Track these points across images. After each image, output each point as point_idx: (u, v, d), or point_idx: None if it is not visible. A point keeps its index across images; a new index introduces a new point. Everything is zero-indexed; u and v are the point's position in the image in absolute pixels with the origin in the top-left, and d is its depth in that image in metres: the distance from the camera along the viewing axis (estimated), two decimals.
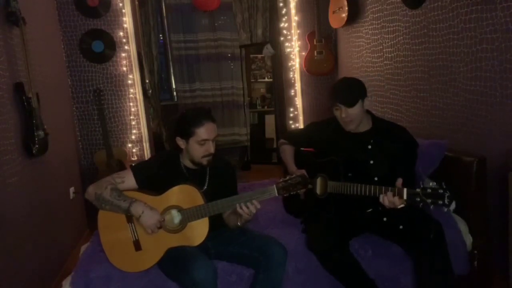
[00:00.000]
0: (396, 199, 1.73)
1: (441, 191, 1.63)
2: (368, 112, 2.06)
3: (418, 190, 1.69)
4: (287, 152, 2.28)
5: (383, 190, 1.78)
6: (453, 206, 2.15)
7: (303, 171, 2.04)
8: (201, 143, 1.84)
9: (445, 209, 1.64)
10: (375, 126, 2.05)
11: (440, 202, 1.63)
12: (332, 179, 2.02)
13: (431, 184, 1.67)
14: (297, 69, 4.06)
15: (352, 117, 1.96)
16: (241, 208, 1.78)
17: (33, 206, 2.43)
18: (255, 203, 1.78)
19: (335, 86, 2.08)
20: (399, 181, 1.76)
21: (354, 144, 2.03)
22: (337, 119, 2.03)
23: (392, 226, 1.94)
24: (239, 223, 1.86)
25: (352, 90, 1.99)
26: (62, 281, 1.93)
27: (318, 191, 2.10)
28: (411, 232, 1.87)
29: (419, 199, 1.68)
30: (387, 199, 1.75)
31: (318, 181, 2.10)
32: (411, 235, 1.87)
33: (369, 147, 2.00)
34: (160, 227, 1.83)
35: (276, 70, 5.07)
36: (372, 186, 1.83)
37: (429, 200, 1.65)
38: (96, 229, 1.93)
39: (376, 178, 1.95)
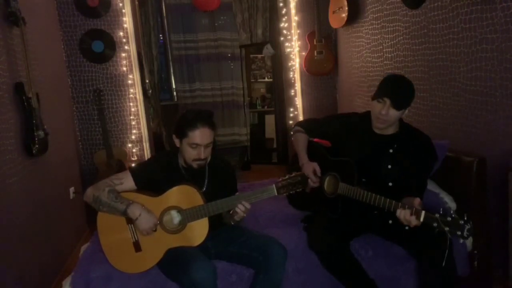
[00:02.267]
0: (413, 218, 1.64)
1: (461, 222, 1.53)
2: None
3: (437, 215, 1.59)
4: (301, 141, 2.15)
5: (399, 205, 1.70)
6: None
7: (315, 164, 2.00)
8: (192, 146, 1.83)
9: (461, 241, 1.58)
10: (401, 131, 1.97)
11: (459, 233, 1.53)
12: (344, 180, 1.95)
13: (452, 212, 1.58)
14: (297, 69, 4.06)
15: (389, 118, 1.86)
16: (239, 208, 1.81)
17: (33, 206, 2.43)
18: (244, 204, 1.81)
19: (393, 80, 1.92)
20: (417, 201, 1.68)
21: (375, 145, 1.95)
22: (372, 111, 1.92)
23: (397, 228, 1.88)
24: (232, 223, 1.90)
25: (408, 94, 1.88)
26: (62, 281, 1.94)
27: (326, 189, 2.06)
28: (416, 233, 1.81)
29: (436, 225, 1.58)
30: (404, 216, 1.67)
31: (328, 179, 2.05)
32: (416, 237, 1.83)
33: (391, 151, 1.93)
34: (155, 230, 1.83)
35: (276, 70, 5.07)
36: (388, 199, 1.74)
37: (447, 228, 1.56)
38: (96, 229, 1.93)
39: (390, 184, 1.91)
